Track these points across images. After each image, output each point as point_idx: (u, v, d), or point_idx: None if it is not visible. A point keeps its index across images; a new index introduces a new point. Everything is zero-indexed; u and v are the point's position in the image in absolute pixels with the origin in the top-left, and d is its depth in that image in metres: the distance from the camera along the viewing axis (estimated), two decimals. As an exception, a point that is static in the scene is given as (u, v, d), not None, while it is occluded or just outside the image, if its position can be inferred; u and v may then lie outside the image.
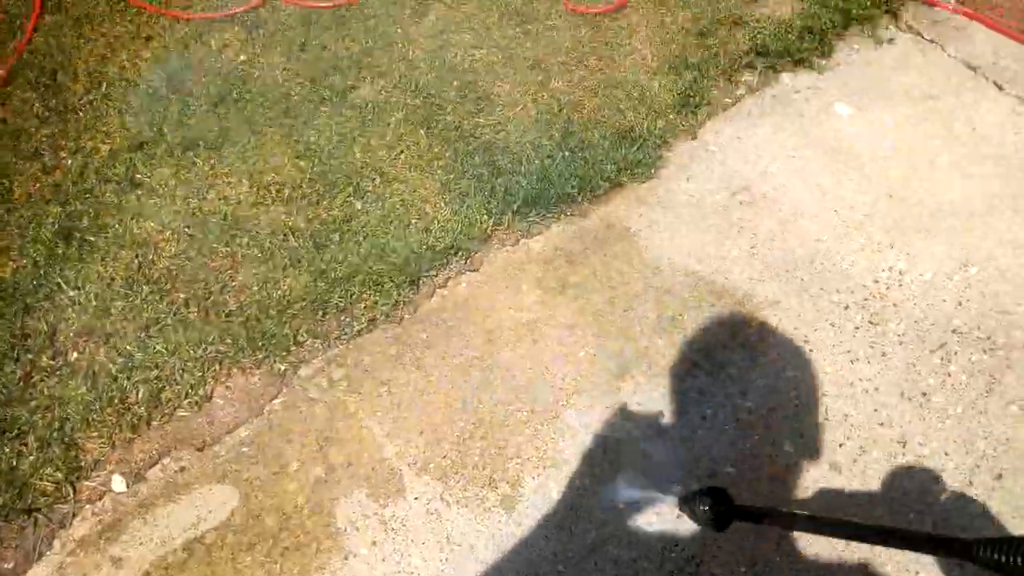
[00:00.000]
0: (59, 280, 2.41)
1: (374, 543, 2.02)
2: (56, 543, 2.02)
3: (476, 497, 2.09)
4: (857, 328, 2.40)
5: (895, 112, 2.94)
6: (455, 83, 2.97)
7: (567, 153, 2.74)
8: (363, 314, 2.39)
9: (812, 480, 2.11)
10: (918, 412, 2.21)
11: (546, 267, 2.53)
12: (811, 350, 2.36)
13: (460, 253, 2.53)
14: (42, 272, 2.43)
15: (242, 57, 3.07)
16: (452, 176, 2.70)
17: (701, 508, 1.67)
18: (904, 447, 2.16)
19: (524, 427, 2.21)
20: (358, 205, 2.62)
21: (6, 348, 2.28)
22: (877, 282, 2.50)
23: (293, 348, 2.33)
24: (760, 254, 2.56)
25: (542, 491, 2.10)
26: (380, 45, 3.11)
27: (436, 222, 2.58)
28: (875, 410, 2.22)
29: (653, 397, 2.26)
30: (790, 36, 3.10)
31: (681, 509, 1.84)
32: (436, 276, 2.50)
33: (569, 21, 3.20)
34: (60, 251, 2.49)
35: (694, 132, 2.88)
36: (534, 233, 2.62)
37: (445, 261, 2.52)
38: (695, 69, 3.01)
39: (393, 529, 2.04)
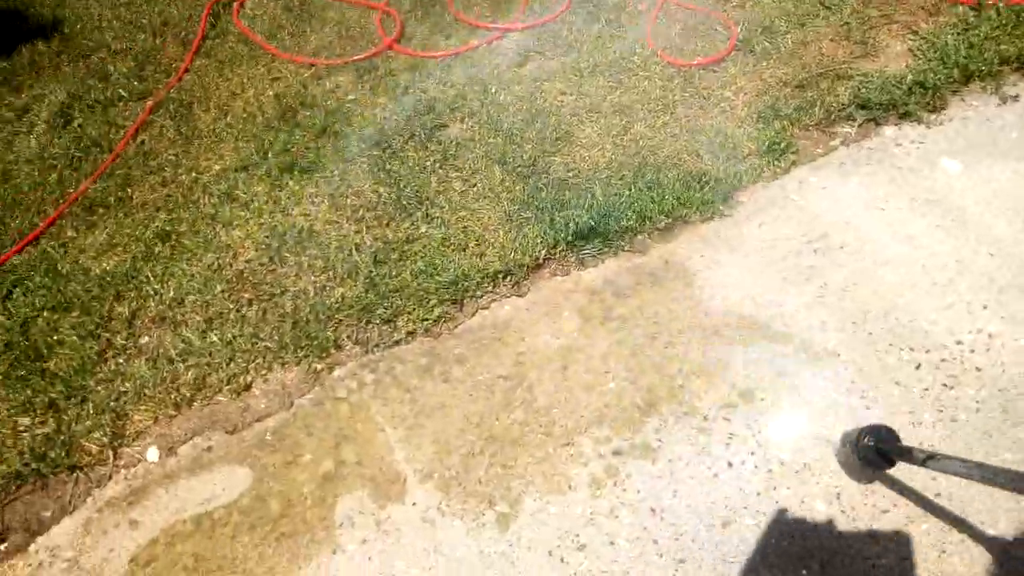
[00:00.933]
0: (148, 274, 2.67)
1: (364, 541, 2.00)
2: (89, 500, 2.18)
3: (473, 512, 2.02)
4: (927, 390, 2.13)
5: (1013, 167, 2.65)
6: (538, 124, 3.04)
7: (633, 190, 2.70)
8: (404, 326, 2.45)
9: (844, 544, 1.86)
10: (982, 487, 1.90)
11: (592, 297, 2.48)
12: (867, 407, 2.11)
13: (509, 278, 2.54)
14: (138, 266, 2.71)
15: (351, 97, 3.34)
16: (517, 207, 2.73)
17: (866, 443, 1.83)
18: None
19: (536, 449, 2.13)
20: (423, 228, 2.72)
21: (92, 327, 2.54)
22: (960, 344, 2.22)
23: (333, 351, 2.41)
24: (828, 303, 2.36)
25: (540, 515, 2.00)
26: (475, 90, 3.26)
27: (492, 247, 2.62)
28: (932, 478, 1.93)
29: (677, 437, 2.11)
30: (897, 90, 2.91)
31: (843, 449, 1.97)
32: (482, 297, 2.52)
33: (663, 72, 3.20)
34: (156, 250, 2.77)
35: (776, 179, 2.74)
36: (588, 265, 2.58)
37: (493, 284, 2.54)
38: (785, 119, 2.89)
39: (386, 531, 2.01)
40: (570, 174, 2.84)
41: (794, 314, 2.35)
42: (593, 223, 2.61)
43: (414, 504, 2.06)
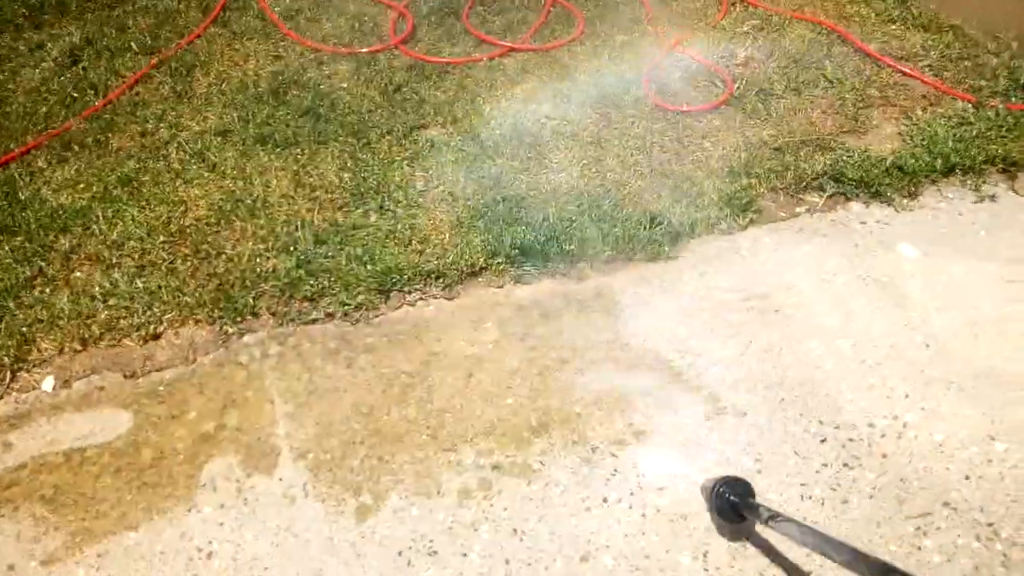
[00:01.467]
0: (99, 213, 2.72)
1: (221, 506, 1.98)
2: (-26, 416, 2.19)
3: (336, 498, 1.99)
4: (826, 465, 2.06)
5: (971, 265, 2.58)
6: (514, 141, 3.05)
7: (585, 218, 2.69)
8: (324, 307, 2.44)
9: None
10: None
11: (517, 313, 2.45)
12: (759, 471, 2.04)
13: (442, 279, 2.53)
14: (92, 206, 2.76)
15: (343, 85, 3.39)
16: (470, 215, 2.73)
17: (721, 493, 1.78)
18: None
19: (417, 450, 2.09)
20: (372, 218, 2.73)
21: (30, 254, 2.58)
22: (872, 426, 2.14)
23: (249, 317, 2.42)
24: (747, 363, 2.31)
25: (401, 514, 1.96)
26: (465, 99, 3.29)
27: (433, 248, 2.62)
28: (807, 554, 1.86)
29: (561, 463, 2.06)
30: (875, 169, 2.86)
31: (704, 494, 1.91)
32: (410, 294, 2.51)
33: (651, 114, 3.20)
34: (115, 192, 2.81)
35: (730, 233, 2.71)
36: (523, 282, 2.56)
37: (424, 283, 2.53)
38: (755, 177, 2.86)
39: (245, 500, 1.99)
40: (531, 192, 2.84)
41: (711, 367, 2.29)
42: (537, 243, 2.60)
43: (280, 479, 2.03)
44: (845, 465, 2.07)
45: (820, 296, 2.50)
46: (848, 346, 2.36)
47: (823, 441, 2.12)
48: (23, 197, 2.79)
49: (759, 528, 1.88)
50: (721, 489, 1.81)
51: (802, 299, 2.49)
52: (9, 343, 2.31)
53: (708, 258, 2.64)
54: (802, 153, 2.97)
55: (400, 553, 1.89)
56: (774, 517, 1.63)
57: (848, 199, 2.84)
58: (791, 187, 2.86)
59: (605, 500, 2.00)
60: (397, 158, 2.99)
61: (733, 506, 1.79)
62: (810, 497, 2.00)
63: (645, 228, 2.66)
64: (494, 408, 2.19)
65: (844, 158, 2.93)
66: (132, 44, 3.61)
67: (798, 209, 2.82)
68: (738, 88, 3.27)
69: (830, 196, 2.84)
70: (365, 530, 1.93)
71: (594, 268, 2.61)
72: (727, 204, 2.76)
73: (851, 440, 2.12)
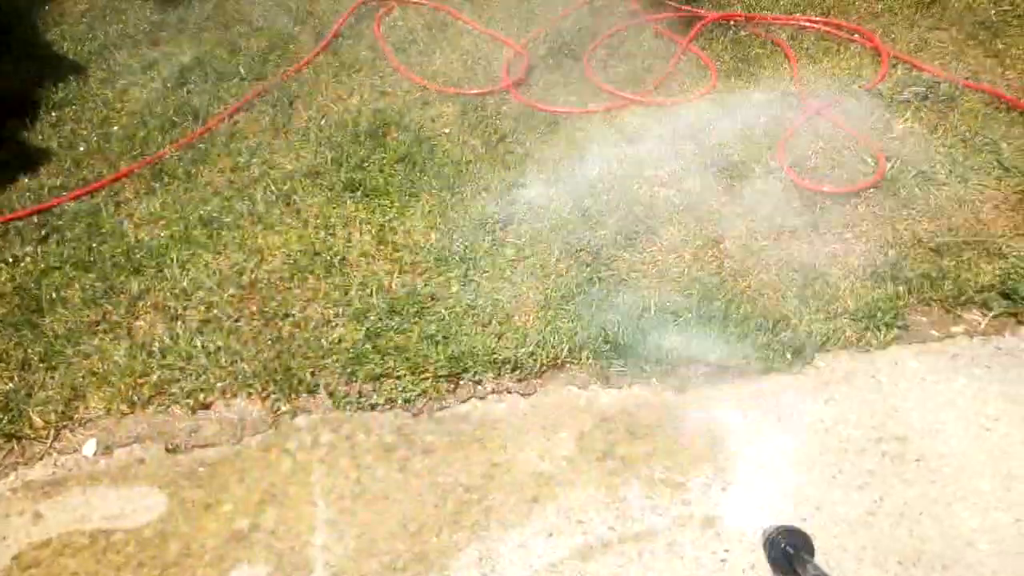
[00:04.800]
0: (174, 255, 2.58)
1: (240, 627, 1.75)
2: (11, 476, 2.07)
3: (364, 637, 1.73)
4: None
5: None
6: (621, 211, 2.72)
7: (693, 314, 2.33)
8: (386, 391, 2.20)
9: None
10: None
11: (600, 425, 2.12)
12: None
13: (519, 371, 2.24)
14: (169, 246, 2.63)
15: (446, 130, 3.15)
16: (560, 295, 2.43)
17: (780, 545, 1.60)
18: None
19: (464, 587, 1.81)
20: (454, 288, 2.47)
21: (98, 295, 2.47)
22: (1034, 642, 1.69)
23: (304, 395, 2.20)
24: (876, 527, 1.89)
25: (434, 671, 1.67)
26: (572, 157, 2.98)
27: (514, 332, 2.33)
28: None
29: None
30: (1059, 286, 2.36)
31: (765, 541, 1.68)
32: (480, 383, 2.23)
33: (783, 191, 2.78)
34: (194, 233, 2.68)
35: (867, 351, 2.28)
36: (611, 384, 2.23)
37: (499, 373, 2.24)
38: (904, 284, 2.41)
39: (266, 623, 1.76)
40: (632, 274, 2.50)
41: (830, 526, 1.89)
42: (633, 337, 2.26)
43: (309, 602, 1.79)
44: None
45: (976, 448, 2.04)
46: (1009, 521, 1.90)
47: (965, 652, 1.68)
48: (104, 229, 2.70)
49: None
50: (777, 538, 1.60)
51: (952, 449, 2.04)
52: (59, 396, 2.19)
53: (837, 380, 2.22)
54: (965, 258, 2.49)
55: None
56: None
57: (1020, 323, 2.34)
58: (948, 300, 2.39)
59: None
60: (490, 220, 2.71)
61: (787, 557, 1.58)
62: None
63: (764, 334, 2.28)
64: (556, 546, 1.87)
65: (1019, 269, 2.43)
66: (240, 68, 3.50)
67: (954, 329, 2.35)
68: (892, 168, 2.80)
69: (996, 316, 2.36)
70: None
71: (697, 377, 2.24)
72: (866, 315, 2.33)
73: (1003, 655, 1.68)
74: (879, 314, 2.33)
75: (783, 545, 1.60)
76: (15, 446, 2.11)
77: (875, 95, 3.16)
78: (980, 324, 2.35)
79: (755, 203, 2.76)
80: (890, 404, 2.15)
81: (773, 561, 1.64)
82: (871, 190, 2.76)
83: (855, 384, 2.21)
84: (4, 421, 2.13)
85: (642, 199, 2.79)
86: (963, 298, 2.39)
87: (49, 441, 2.12)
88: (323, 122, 3.21)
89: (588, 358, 2.27)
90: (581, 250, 2.59)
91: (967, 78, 3.19)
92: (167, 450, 2.10)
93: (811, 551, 1.61)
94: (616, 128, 3.14)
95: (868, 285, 2.43)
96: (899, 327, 2.32)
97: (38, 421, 2.14)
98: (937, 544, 1.86)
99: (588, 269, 2.52)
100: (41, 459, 2.10)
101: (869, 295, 2.39)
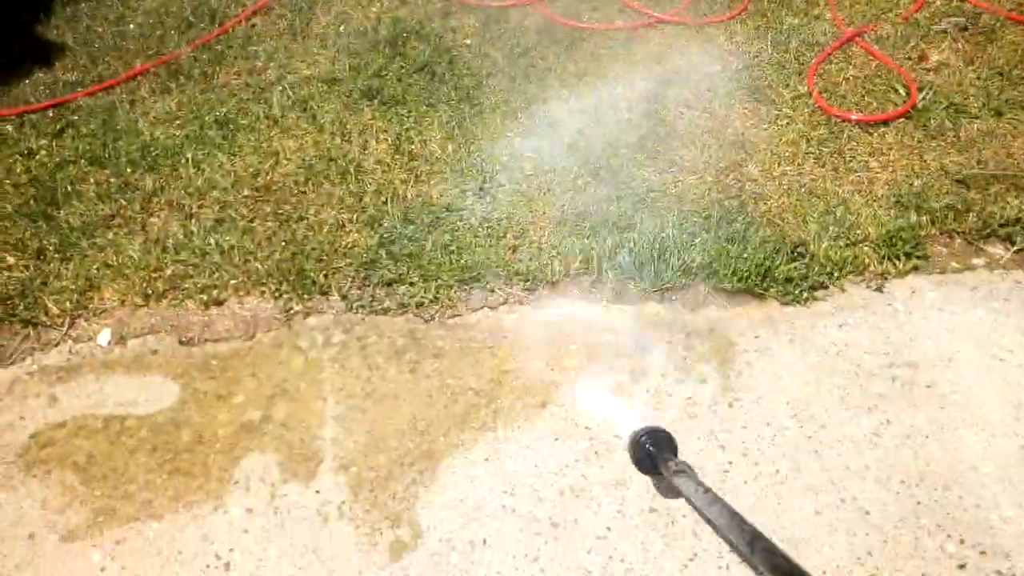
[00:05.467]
0: (189, 155, 2.56)
1: (250, 511, 1.79)
2: (28, 360, 2.09)
3: (371, 525, 1.77)
4: (961, 601, 1.65)
5: None
6: (644, 130, 2.67)
7: (711, 235, 2.30)
8: (398, 296, 2.19)
9: None
10: None
11: (611, 338, 2.12)
12: (869, 590, 1.67)
13: (532, 283, 2.23)
14: (184, 145, 2.60)
15: (467, 42, 3.08)
16: (577, 211, 2.40)
17: (644, 445, 1.64)
18: None
19: (471, 486, 1.83)
20: (469, 200, 2.45)
21: (113, 190, 2.46)
22: (1032, 562, 1.71)
23: (317, 296, 2.20)
24: (881, 448, 1.89)
25: (438, 559, 1.71)
26: (595, 73, 2.92)
27: (529, 244, 2.31)
28: None
29: (632, 535, 1.74)
30: (1086, 221, 2.31)
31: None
32: (494, 294, 2.22)
33: (811, 117, 2.72)
34: (210, 134, 2.65)
35: (885, 279, 2.25)
36: (626, 301, 2.22)
37: (512, 285, 2.23)
38: (927, 213, 2.37)
39: (276, 509, 1.80)
40: (652, 194, 2.47)
41: (835, 444, 1.90)
42: (649, 256, 2.24)
43: (317, 492, 1.82)
44: (987, 606, 1.65)
45: (987, 377, 2.03)
46: (1014, 448, 1.90)
47: (962, 567, 1.70)
48: (120, 126, 2.67)
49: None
50: (641, 439, 1.65)
51: (963, 377, 2.03)
52: (74, 286, 2.20)
53: (853, 306, 2.20)
54: (992, 191, 2.44)
55: (430, 608, 1.65)
56: (679, 472, 1.50)
57: (1044, 257, 2.31)
58: (971, 233, 2.35)
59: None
60: (509, 134, 2.67)
61: (650, 456, 1.64)
62: (936, 639, 1.61)
63: (783, 259, 2.25)
64: (563, 450, 1.89)
65: (1047, 203, 2.39)
66: (260, -31, 3.41)
67: (975, 261, 2.32)
68: (923, 99, 2.73)
69: (1019, 250, 2.32)
70: (396, 571, 1.70)
71: (712, 298, 2.23)
72: (887, 243, 2.29)
73: (999, 573, 1.70)
74: (900, 243, 2.29)
75: (648, 445, 1.64)
76: (31, 332, 2.13)
77: (912, 24, 3.06)
78: (1002, 258, 2.32)
79: (781, 128, 2.70)
80: (905, 332, 2.14)
81: (638, 462, 1.68)
82: (900, 120, 2.69)
83: (871, 311, 2.19)
84: (21, 307, 2.14)
85: (666, 119, 2.73)
86: (987, 231, 2.35)
87: (64, 329, 2.14)
88: (342, 28, 3.15)
89: (602, 275, 2.25)
90: (600, 168, 2.55)
91: (1011, 10, 3.07)
92: (180, 343, 2.12)
93: (674, 450, 1.65)
94: (643, 46, 3.06)
95: (891, 214, 2.39)
96: (919, 257, 2.29)
97: (54, 309, 2.15)
98: (940, 466, 1.87)
99: (607, 187, 2.49)
100: (56, 346, 2.12)
101: (891, 224, 2.35)
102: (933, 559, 1.72)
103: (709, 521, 1.40)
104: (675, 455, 1.64)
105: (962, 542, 1.74)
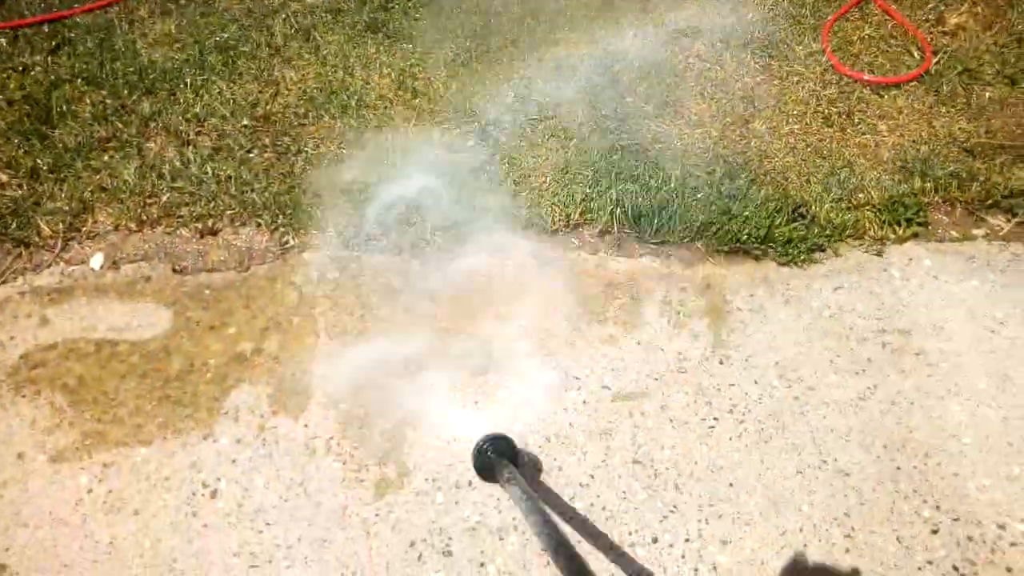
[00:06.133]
0: (188, 80, 2.51)
1: (239, 441, 1.81)
2: (20, 280, 2.08)
3: (358, 462, 1.79)
4: (931, 563, 1.69)
5: None
6: (652, 79, 2.62)
7: (714, 191, 2.28)
8: (397, 232, 2.18)
9: None
10: None
11: (603, 291, 2.12)
12: (847, 549, 1.70)
13: (529, 231, 2.21)
14: (183, 70, 2.54)
15: (480, -23, 3.00)
16: (580, 160, 2.37)
17: (488, 453, 1.65)
18: None
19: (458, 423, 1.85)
20: (471, 142, 2.41)
21: (109, 112, 2.41)
22: (1003, 529, 1.74)
23: (314, 231, 2.19)
24: (866, 411, 1.91)
25: (423, 499, 1.74)
26: (609, 17, 2.85)
27: (529, 191, 2.29)
28: None
29: (614, 483, 1.77)
30: (1091, 197, 2.30)
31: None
32: (491, 239, 2.21)
33: (823, 75, 2.67)
34: (210, 59, 2.59)
35: (883, 244, 2.25)
36: (623, 253, 2.21)
37: (510, 231, 2.22)
38: (931, 180, 2.35)
39: (264, 440, 1.81)
40: (656, 145, 2.44)
41: (820, 406, 1.92)
42: (649, 209, 2.23)
43: (306, 426, 1.84)
44: (955, 568, 1.69)
45: (977, 348, 2.05)
46: (997, 419, 1.92)
47: (935, 532, 1.74)
48: (117, 46, 2.61)
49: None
50: (483, 447, 1.66)
51: (953, 347, 2.05)
52: (67, 208, 2.17)
53: (849, 269, 2.20)
54: (998, 162, 2.42)
55: (412, 544, 1.68)
56: (510, 480, 1.50)
57: (1043, 231, 2.31)
58: (974, 202, 2.34)
59: (655, 540, 1.71)
60: (516, 75, 2.62)
61: (491, 463, 1.65)
62: (901, 596, 1.65)
63: (783, 219, 2.24)
64: (552, 400, 1.90)
65: (1051, 177, 2.37)
66: None
67: (975, 231, 2.31)
68: (937, 63, 2.68)
69: (1021, 223, 2.31)
70: (382, 508, 1.72)
71: (709, 255, 2.22)
72: (888, 208, 2.28)
73: (970, 539, 1.74)
74: (901, 209, 2.28)
75: (488, 453, 1.65)
76: (23, 251, 2.11)
77: (933, -17, 2.99)
78: (1003, 229, 2.31)
79: (790, 85, 2.65)
80: (898, 298, 2.14)
81: (479, 470, 1.69)
82: (912, 83, 2.64)
83: (866, 275, 2.19)
84: (13, 226, 2.12)
85: (675, 68, 2.68)
86: (989, 201, 2.34)
87: (57, 250, 2.12)
88: (350, -43, 3.04)
89: (600, 226, 2.24)
90: (606, 116, 2.51)
91: (1034, -26, 3.00)
92: (174, 270, 2.11)
93: (513, 457, 1.66)
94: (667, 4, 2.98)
95: (895, 179, 2.37)
96: (919, 224, 2.28)
97: (46, 230, 2.13)
98: (923, 433, 1.89)
99: (611, 136, 2.46)
100: (48, 267, 2.10)
101: (894, 189, 2.33)
102: (907, 522, 1.75)
103: (531, 527, 1.42)
104: (515, 462, 1.65)
105: (937, 508, 1.78)
